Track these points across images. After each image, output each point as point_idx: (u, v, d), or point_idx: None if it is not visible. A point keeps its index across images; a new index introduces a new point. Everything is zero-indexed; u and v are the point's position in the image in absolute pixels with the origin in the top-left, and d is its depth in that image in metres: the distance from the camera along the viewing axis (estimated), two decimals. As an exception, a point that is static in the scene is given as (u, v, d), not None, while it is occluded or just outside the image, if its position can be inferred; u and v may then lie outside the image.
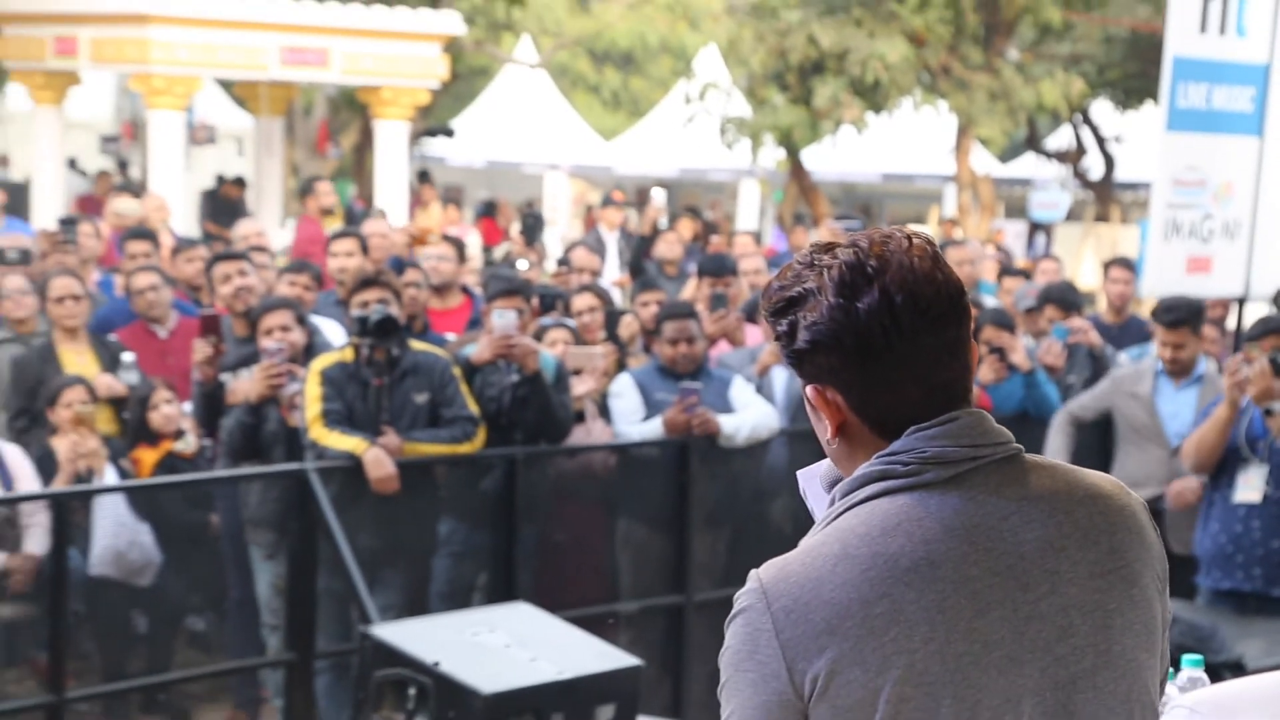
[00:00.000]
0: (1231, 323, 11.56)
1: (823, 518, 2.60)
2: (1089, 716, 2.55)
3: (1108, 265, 13.09)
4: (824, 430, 2.62)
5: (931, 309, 2.52)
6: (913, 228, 2.62)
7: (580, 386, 9.12)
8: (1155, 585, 2.65)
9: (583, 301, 10.29)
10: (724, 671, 2.53)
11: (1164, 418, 9.47)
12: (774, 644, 2.46)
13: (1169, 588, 2.70)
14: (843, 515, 2.55)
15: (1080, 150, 27.35)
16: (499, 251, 18.73)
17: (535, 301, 9.73)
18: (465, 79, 30.44)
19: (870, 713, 2.44)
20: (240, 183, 22.92)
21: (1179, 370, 9.44)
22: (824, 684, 2.44)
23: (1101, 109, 27.80)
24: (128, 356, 9.57)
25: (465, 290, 11.01)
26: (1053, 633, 2.53)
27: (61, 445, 8.73)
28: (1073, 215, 27.57)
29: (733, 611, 2.53)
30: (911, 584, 2.46)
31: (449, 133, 28.76)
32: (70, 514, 8.18)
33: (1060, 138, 28.67)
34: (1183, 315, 9.47)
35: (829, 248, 2.56)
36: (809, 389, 2.60)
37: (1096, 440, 9.84)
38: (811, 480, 2.79)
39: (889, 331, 2.49)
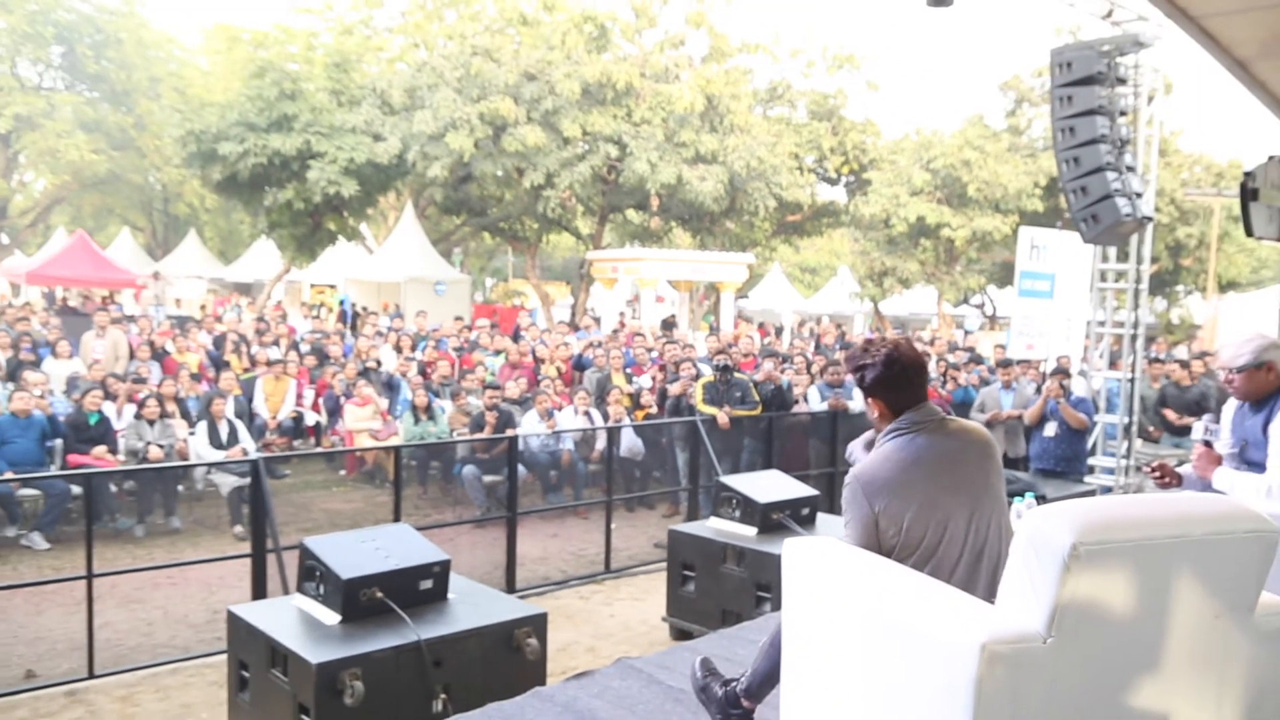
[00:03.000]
0: (1045, 367, 10.63)
1: (877, 444, 2.59)
2: (986, 513, 2.46)
3: (997, 346, 12.13)
4: (874, 413, 2.60)
5: (918, 367, 2.56)
6: (909, 335, 2.64)
7: (797, 390, 8.76)
8: (995, 463, 2.56)
9: (798, 359, 9.86)
10: (844, 505, 2.50)
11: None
12: (862, 495, 2.44)
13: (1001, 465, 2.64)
14: (883, 444, 2.53)
15: (985, 304, 25.83)
16: (766, 341, 18.45)
17: (779, 358, 9.40)
18: (754, 278, 30.06)
19: (901, 517, 2.40)
20: (673, 316, 23.46)
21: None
22: (883, 509, 2.42)
23: (993, 289, 26.23)
24: (635, 378, 9.51)
25: (754, 354, 10.67)
26: (967, 482, 2.47)
27: (610, 410, 8.70)
28: (981, 328, 25.97)
29: (845, 483, 2.52)
30: (915, 468, 2.44)
31: (747, 297, 28.34)
32: (613, 434, 8.08)
33: (976, 300, 27.12)
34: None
35: (872, 342, 2.60)
36: (868, 399, 2.61)
37: None
38: (855, 447, 2.97)
39: (903, 376, 2.53)
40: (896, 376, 2.57)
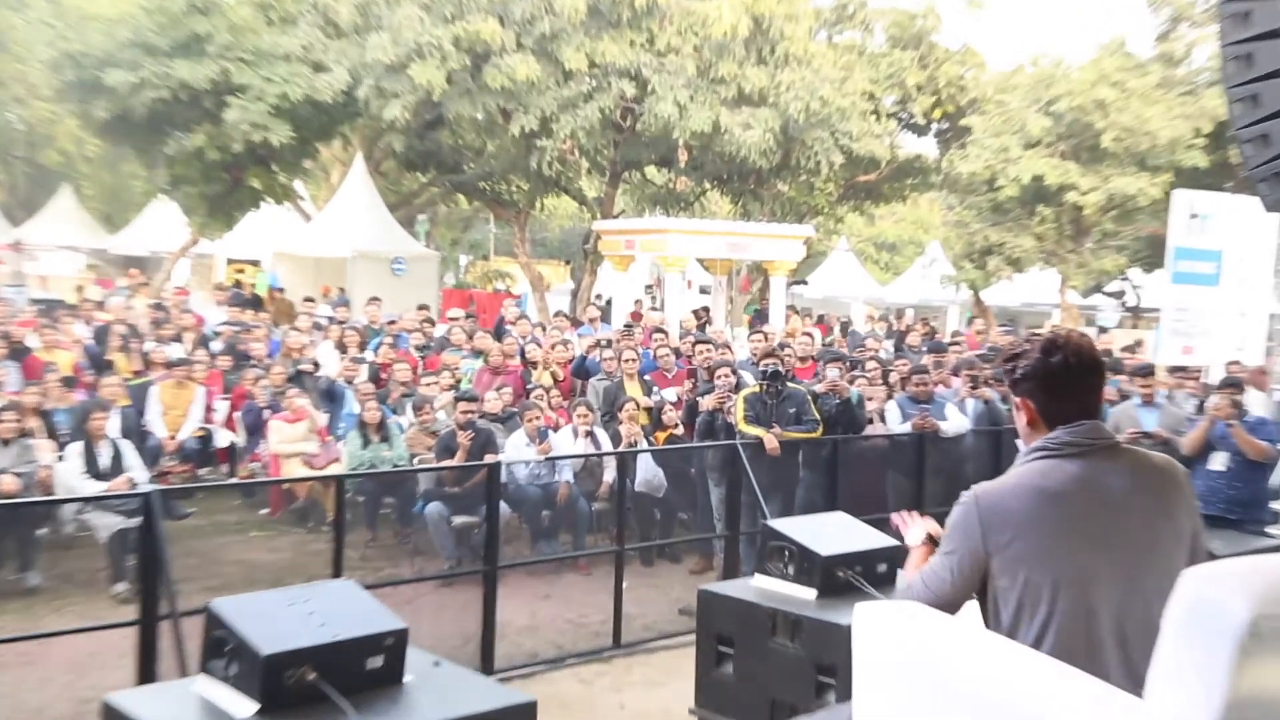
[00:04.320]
0: (1206, 378, 10.57)
1: (1014, 466, 2.59)
2: (1146, 574, 2.43)
3: (1122, 349, 12.23)
4: (1022, 421, 2.58)
5: (1089, 367, 2.52)
6: (1073, 330, 2.63)
7: (870, 406, 8.87)
8: (1186, 517, 2.50)
9: (871, 364, 9.90)
10: (948, 528, 2.52)
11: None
12: (976, 522, 2.45)
13: (1199, 520, 2.57)
14: (1021, 467, 2.52)
15: (1123, 291, 26.02)
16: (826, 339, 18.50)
17: (848, 364, 9.47)
18: (813, 257, 30.11)
19: (1021, 564, 2.41)
20: (706, 308, 23.56)
21: None
22: (999, 549, 2.42)
23: (1134, 273, 26.27)
24: (656, 388, 9.67)
25: (813, 358, 10.77)
26: (1128, 532, 2.44)
27: (623, 430, 8.83)
28: (1120, 325, 26.05)
29: (958, 503, 2.51)
30: (1051, 503, 2.42)
31: (805, 282, 28.52)
32: (627, 462, 8.24)
33: (1113, 285, 27.14)
34: None
35: (1031, 338, 2.60)
36: (1017, 399, 2.57)
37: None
38: (1018, 425, 2.73)
39: (1063, 374, 2.49)
40: (1055, 373, 2.51)
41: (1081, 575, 2.41)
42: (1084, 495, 2.45)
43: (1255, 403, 9.29)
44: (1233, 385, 7.87)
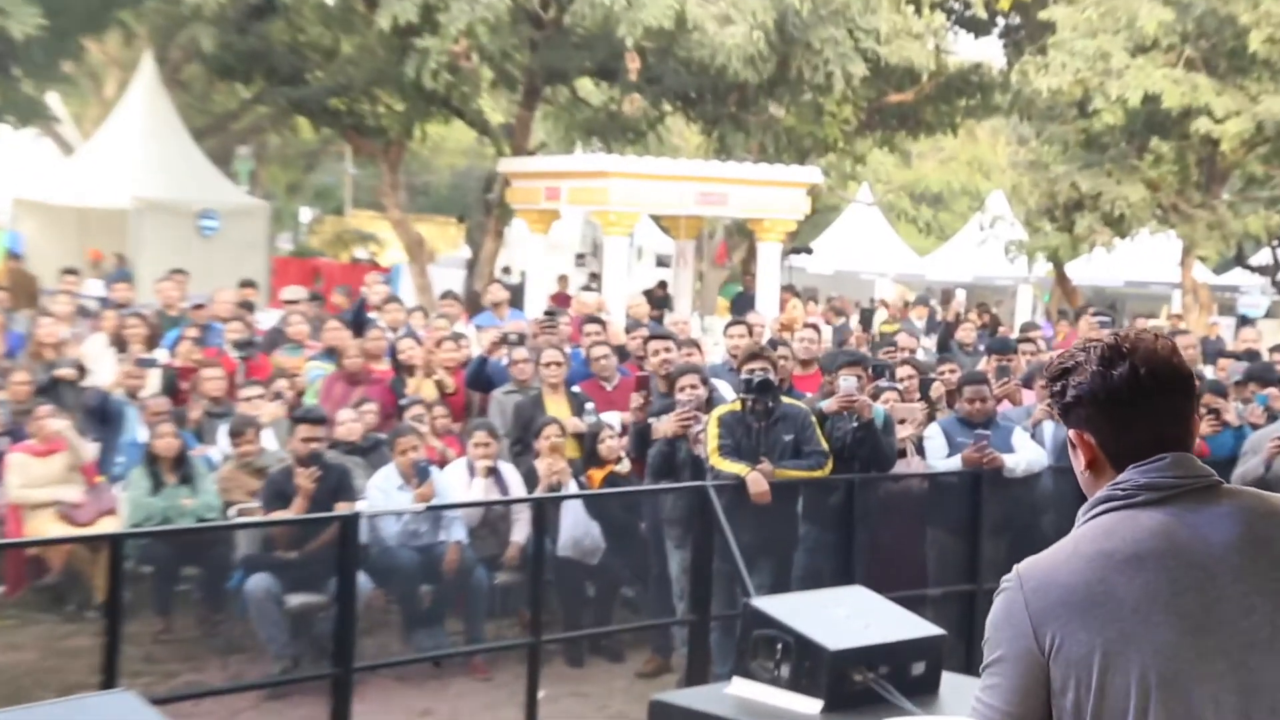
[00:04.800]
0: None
1: (1076, 525, 2.65)
2: (1267, 674, 2.48)
3: (1272, 349, 12.57)
4: (1079, 463, 2.66)
5: (1166, 381, 2.58)
6: (1154, 326, 2.67)
7: (902, 432, 8.94)
8: None
9: (904, 371, 10.08)
10: (988, 630, 2.58)
11: None
12: (1024, 612, 2.51)
13: None
14: (1081, 528, 2.60)
15: (1277, 265, 26.41)
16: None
17: (870, 370, 9.56)
18: (821, 213, 30.36)
19: (1090, 665, 2.45)
20: (664, 285, 23.71)
21: None
22: (1059, 643, 2.47)
23: (1292, 237, 26.79)
24: (589, 405, 9.75)
25: (819, 362, 10.89)
26: (1237, 611, 2.48)
27: (541, 466, 8.88)
28: (1270, 313, 26.51)
29: (998, 590, 2.59)
30: (1123, 571, 2.48)
31: (809, 251, 28.78)
32: (546, 513, 8.30)
33: (1262, 256, 27.57)
34: None
35: (1088, 344, 2.68)
36: (1071, 432, 2.65)
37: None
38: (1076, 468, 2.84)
39: (1133, 392, 2.56)
40: (1120, 392, 2.58)
41: (1177, 674, 2.44)
42: (1171, 557, 2.49)
43: None
44: None
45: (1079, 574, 2.50)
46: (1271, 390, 10.90)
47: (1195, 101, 18.95)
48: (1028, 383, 10.40)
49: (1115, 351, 2.59)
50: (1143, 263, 28.73)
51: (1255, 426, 9.94)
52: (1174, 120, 19.78)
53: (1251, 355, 12.88)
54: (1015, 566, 2.59)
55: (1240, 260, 26.35)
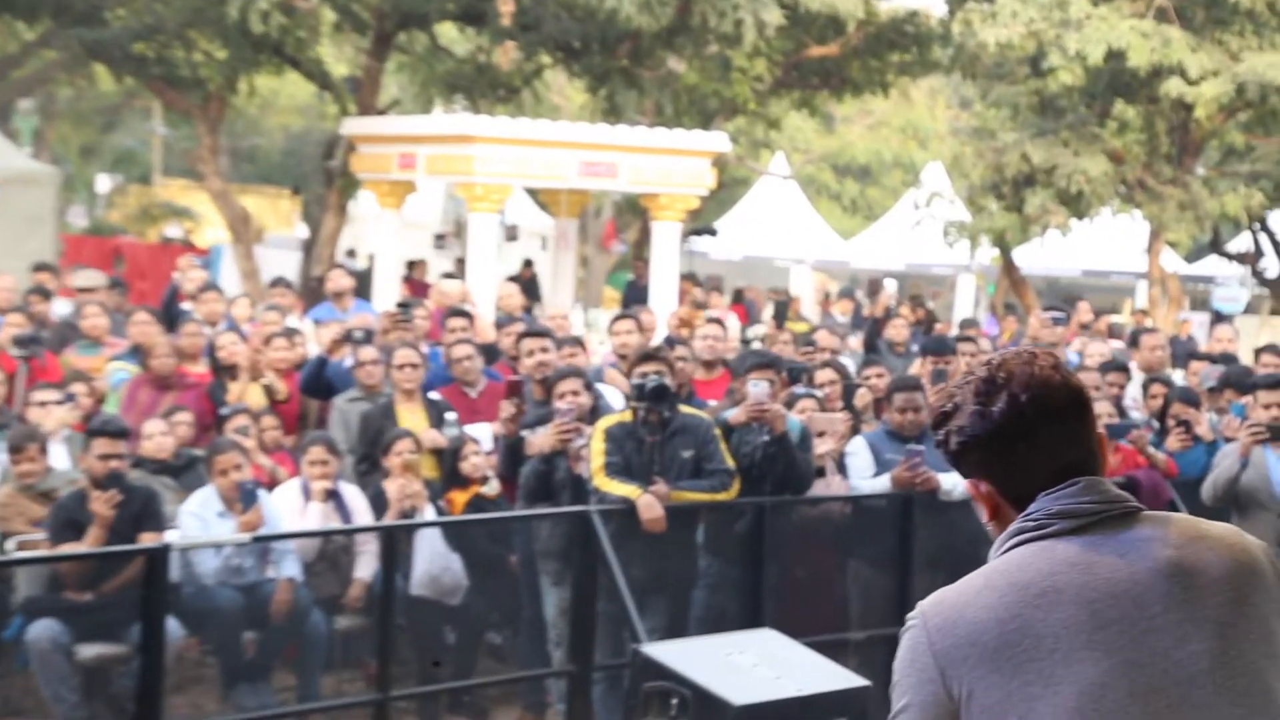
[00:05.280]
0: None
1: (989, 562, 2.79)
2: (1208, 708, 2.58)
3: (1258, 352, 12.81)
4: (983, 516, 2.81)
5: (1052, 405, 2.71)
6: (1037, 347, 2.88)
7: (822, 446, 9.05)
8: (1271, 606, 2.68)
9: (825, 375, 10.21)
10: (894, 674, 2.71)
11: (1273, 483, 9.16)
12: (929, 654, 2.63)
13: None
14: (991, 562, 2.73)
15: (1258, 253, 26.92)
16: (750, 332, 18.78)
17: (785, 374, 9.66)
18: (728, 187, 30.59)
19: (1006, 712, 2.56)
20: (530, 264, 23.83)
21: None
22: (968, 689, 2.59)
23: (1277, 218, 27.26)
24: (451, 415, 9.72)
25: (725, 363, 10.98)
26: (1170, 640, 2.59)
27: (392, 487, 8.87)
28: (1250, 309, 27.05)
29: (902, 630, 2.71)
30: (1039, 605, 2.59)
31: (713, 232, 28.97)
32: (397, 544, 8.29)
33: (1241, 242, 28.15)
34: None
35: (964, 381, 2.80)
36: (967, 483, 2.81)
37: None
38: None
39: (1018, 425, 2.69)
40: (1005, 426, 2.71)
41: (1107, 716, 2.56)
42: (1092, 588, 2.61)
43: None
44: None
45: (990, 610, 2.61)
46: (1249, 399, 11.09)
47: (1166, 59, 19.19)
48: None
49: (990, 384, 2.72)
50: (1103, 249, 29.21)
51: (1231, 440, 10.12)
52: (1141, 81, 20.08)
53: (1227, 358, 12.99)
54: (919, 604, 2.70)
55: (1216, 246, 26.83)
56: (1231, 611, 2.63)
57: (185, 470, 9.18)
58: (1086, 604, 2.59)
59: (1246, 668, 2.62)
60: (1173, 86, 19.35)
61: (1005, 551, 2.70)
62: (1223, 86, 19.27)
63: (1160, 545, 2.66)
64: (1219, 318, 24.32)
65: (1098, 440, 2.76)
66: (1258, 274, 26.88)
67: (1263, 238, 26.41)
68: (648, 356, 8.70)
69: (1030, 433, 2.69)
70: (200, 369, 10.80)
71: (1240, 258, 26.64)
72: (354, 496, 9.04)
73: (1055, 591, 2.60)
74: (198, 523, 8.51)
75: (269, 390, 10.53)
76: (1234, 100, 19.96)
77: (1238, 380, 11.22)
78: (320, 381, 10.65)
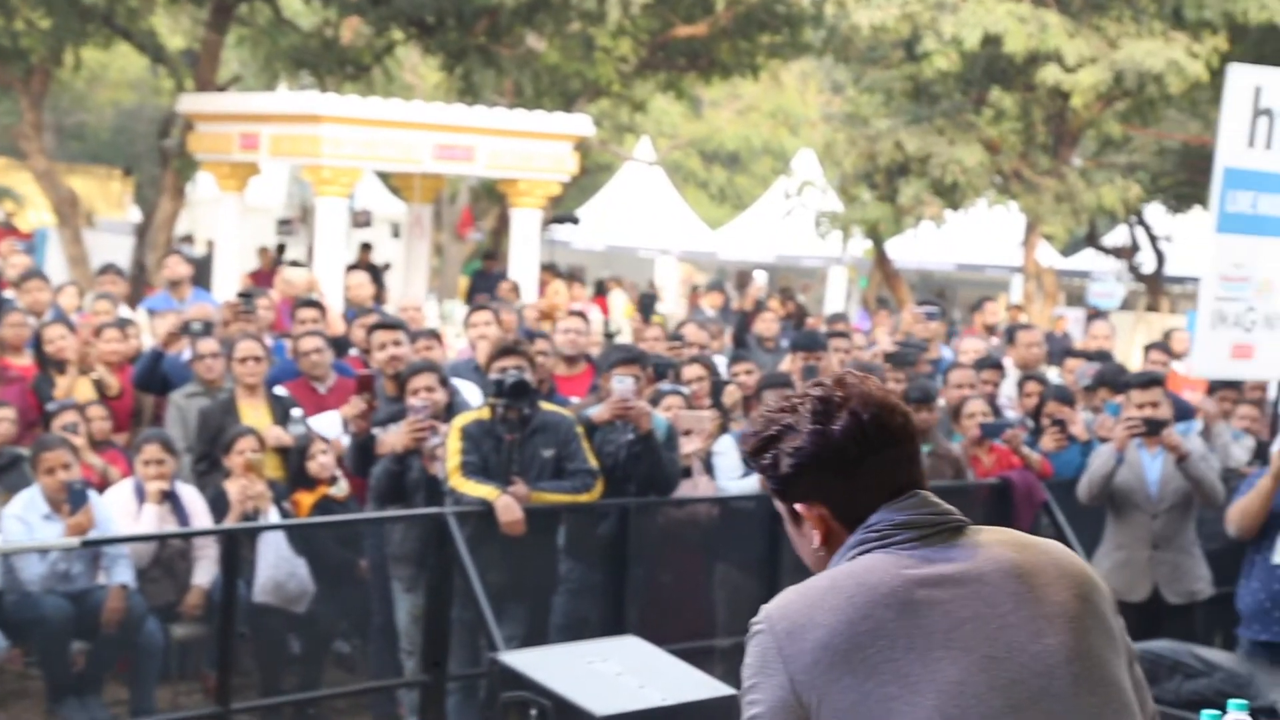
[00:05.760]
0: (1271, 403, 11.45)
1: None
2: (1068, 698, 2.70)
3: (1147, 348, 13.12)
4: (810, 541, 2.88)
5: (891, 426, 2.82)
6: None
7: (689, 446, 9.10)
8: (1105, 605, 2.85)
9: (692, 371, 10.25)
10: (743, 681, 2.75)
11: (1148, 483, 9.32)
12: (779, 659, 2.69)
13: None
14: (831, 571, 2.80)
15: (1135, 247, 27.48)
16: (612, 325, 18.83)
17: (650, 370, 9.70)
18: (591, 173, 30.65)
19: (863, 714, 2.63)
20: (368, 248, 23.78)
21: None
22: (821, 695, 2.64)
23: (1154, 212, 27.83)
24: (297, 412, 9.65)
25: (588, 359, 11.00)
26: (1025, 636, 2.70)
27: (233, 488, 8.79)
28: (1126, 305, 27.61)
29: (748, 635, 2.77)
30: (890, 605, 2.67)
31: (575, 220, 29.04)
32: (239, 548, 8.23)
33: (1117, 236, 28.73)
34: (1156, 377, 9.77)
35: (796, 396, 2.89)
36: (799, 507, 2.87)
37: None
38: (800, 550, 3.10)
39: (861, 445, 2.79)
40: (848, 446, 2.81)
41: (967, 713, 2.66)
42: (942, 589, 2.73)
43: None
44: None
45: (839, 612, 2.69)
46: (1122, 398, 11.31)
47: (1043, 45, 19.51)
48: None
49: (828, 404, 2.81)
50: (978, 242, 29.66)
51: (1106, 440, 10.31)
52: (1018, 68, 20.39)
53: (1103, 355, 13.23)
54: (764, 607, 2.77)
55: (1092, 240, 27.39)
56: (1078, 606, 2.77)
57: (8, 470, 9.03)
58: (938, 604, 2.69)
59: (1097, 660, 2.75)
60: (1049, 74, 19.65)
61: (847, 557, 2.79)
62: (1100, 74, 19.62)
63: (1000, 549, 2.79)
64: (1095, 313, 24.74)
65: (920, 465, 2.88)
66: (1134, 269, 27.44)
67: (1139, 232, 26.95)
68: (507, 351, 8.69)
69: (872, 453, 2.78)
70: (24, 361, 10.63)
71: (1116, 252, 27.18)
72: (192, 498, 8.93)
73: (905, 590, 2.69)
74: (21, 526, 8.37)
75: (100, 385, 10.39)
76: (1111, 89, 20.31)
77: (1113, 379, 11.43)
78: (155, 375, 10.52)
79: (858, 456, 2.78)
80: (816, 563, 2.87)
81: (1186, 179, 25.29)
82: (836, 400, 2.80)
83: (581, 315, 12.10)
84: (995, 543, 2.81)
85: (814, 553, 2.87)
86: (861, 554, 2.76)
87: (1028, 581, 2.76)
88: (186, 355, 10.53)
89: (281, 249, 24.69)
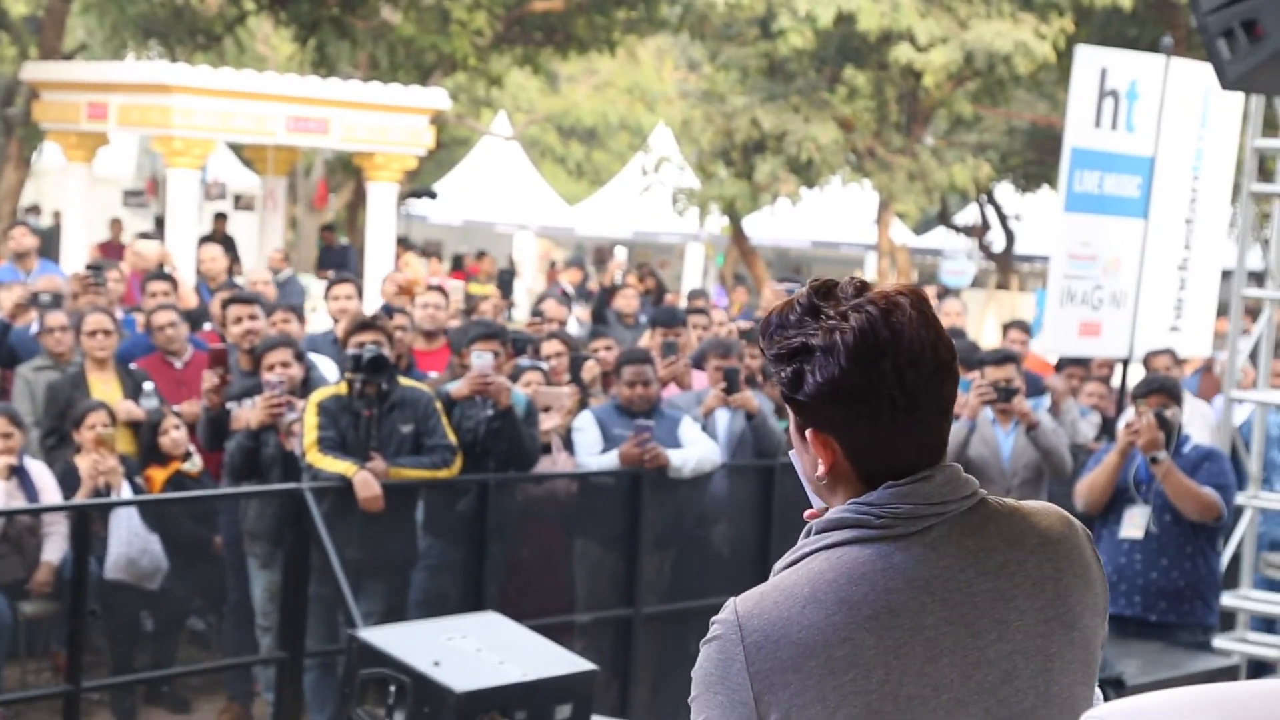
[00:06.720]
0: (1117, 381, 11.65)
1: (797, 550, 2.57)
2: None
3: (1006, 327, 13.25)
4: (813, 466, 2.58)
5: (934, 375, 2.51)
6: (908, 285, 2.58)
7: (548, 422, 9.12)
8: (1096, 620, 2.66)
9: (551, 347, 10.28)
10: (695, 687, 2.52)
11: (1002, 457, 9.47)
12: (744, 674, 2.45)
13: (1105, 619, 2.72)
14: (815, 555, 2.53)
15: (985, 226, 27.89)
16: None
17: (510, 345, 9.69)
18: (448, 148, 30.49)
19: None
20: (222, 218, 23.55)
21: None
22: (785, 713, 2.44)
23: (1004, 191, 28.24)
24: (148, 385, 9.56)
25: (447, 334, 10.97)
26: (998, 676, 2.52)
27: (84, 463, 8.67)
28: (977, 283, 28.00)
29: (709, 635, 2.50)
30: (871, 630, 2.45)
31: (432, 194, 28.87)
32: (89, 524, 8.11)
33: (968, 214, 29.11)
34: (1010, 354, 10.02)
35: (834, 300, 2.52)
36: (809, 431, 2.55)
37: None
38: (797, 464, 2.71)
39: (897, 400, 2.47)
40: (882, 398, 2.49)
41: None
42: (930, 612, 2.51)
43: (1198, 421, 10.17)
44: (1163, 391, 8.55)
45: (817, 630, 2.46)
46: (974, 374, 11.45)
47: (896, 24, 19.72)
48: (699, 362, 10.63)
49: (874, 341, 2.47)
50: (833, 220, 29.93)
51: (958, 417, 10.49)
52: (871, 46, 20.59)
53: (955, 332, 13.31)
54: (733, 604, 2.51)
55: (944, 219, 27.77)
56: (1060, 638, 2.60)
57: None
58: (922, 631, 2.48)
59: (1065, 704, 2.59)
60: (902, 53, 19.89)
61: (826, 547, 2.53)
62: (951, 54, 19.88)
63: (1001, 559, 2.59)
64: (946, 291, 25.10)
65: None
66: (984, 247, 27.86)
67: (990, 211, 27.37)
68: (364, 325, 8.65)
69: (905, 412, 2.50)
70: None
71: (967, 230, 27.58)
72: (40, 473, 8.80)
73: (890, 614, 2.47)
74: None
75: (-55, 359, 10.22)
76: (962, 69, 20.59)
77: (965, 356, 11.56)
78: (2, 348, 10.38)
79: (891, 411, 2.47)
80: (816, 488, 2.60)
81: (1035, 159, 25.70)
82: (882, 340, 2.45)
83: (440, 290, 12.08)
84: (999, 545, 2.57)
85: (815, 479, 2.58)
86: (853, 542, 2.51)
87: (1019, 604, 2.55)
88: (34, 328, 10.38)
89: (117, 223, 24.31)
